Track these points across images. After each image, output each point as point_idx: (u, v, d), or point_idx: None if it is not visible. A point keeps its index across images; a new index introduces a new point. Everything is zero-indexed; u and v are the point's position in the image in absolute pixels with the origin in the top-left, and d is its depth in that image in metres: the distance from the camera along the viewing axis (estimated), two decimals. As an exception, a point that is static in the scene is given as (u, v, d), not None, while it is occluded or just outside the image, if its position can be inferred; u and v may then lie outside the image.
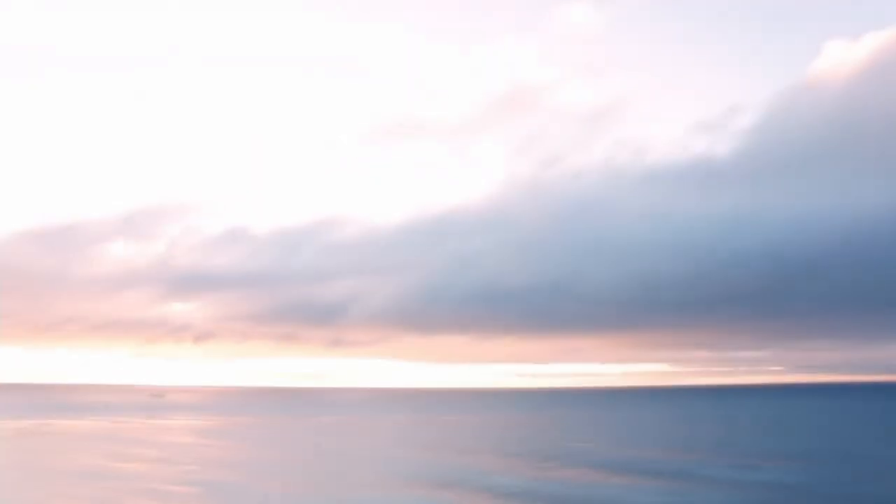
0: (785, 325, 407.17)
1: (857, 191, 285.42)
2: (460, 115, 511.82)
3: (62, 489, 41.21)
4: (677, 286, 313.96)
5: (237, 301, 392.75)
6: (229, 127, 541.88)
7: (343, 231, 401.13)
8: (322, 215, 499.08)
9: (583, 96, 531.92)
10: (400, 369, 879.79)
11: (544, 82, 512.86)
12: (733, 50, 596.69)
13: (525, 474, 47.79)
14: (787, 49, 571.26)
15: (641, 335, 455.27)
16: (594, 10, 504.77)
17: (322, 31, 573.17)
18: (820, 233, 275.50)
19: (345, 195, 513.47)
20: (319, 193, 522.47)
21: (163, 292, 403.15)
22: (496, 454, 61.50)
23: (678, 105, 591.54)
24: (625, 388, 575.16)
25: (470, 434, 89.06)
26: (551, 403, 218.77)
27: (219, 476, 47.23)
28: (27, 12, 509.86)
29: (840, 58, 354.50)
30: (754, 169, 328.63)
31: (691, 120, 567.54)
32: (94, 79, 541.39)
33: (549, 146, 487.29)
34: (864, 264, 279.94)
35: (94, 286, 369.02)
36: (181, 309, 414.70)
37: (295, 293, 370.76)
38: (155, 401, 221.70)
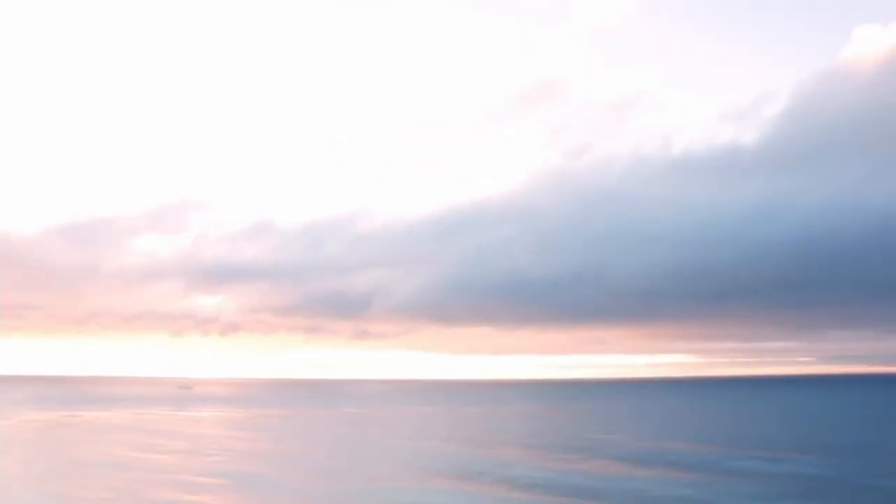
0: (814, 316, 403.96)
1: (888, 179, 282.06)
2: (487, 106, 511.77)
3: (91, 480, 41.72)
4: (704, 276, 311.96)
5: (263, 294, 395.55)
6: (255, 121, 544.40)
7: (368, 223, 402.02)
8: (347, 208, 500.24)
9: (609, 85, 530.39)
10: (424, 361, 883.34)
11: (571, 72, 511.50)
12: (761, 36, 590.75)
13: (548, 466, 47.81)
14: (817, 35, 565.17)
15: (667, 326, 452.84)
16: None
17: (349, 23, 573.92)
18: (850, 221, 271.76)
19: (370, 187, 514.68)
20: (345, 186, 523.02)
21: (190, 285, 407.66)
22: (519, 446, 61.53)
23: (705, 93, 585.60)
24: (650, 379, 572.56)
25: (493, 425, 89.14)
26: (575, 394, 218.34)
27: (245, 467, 47.69)
28: (60, 8, 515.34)
29: (871, 43, 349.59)
30: (783, 157, 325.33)
31: (719, 108, 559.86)
32: (122, 76, 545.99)
33: (576, 136, 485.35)
34: (894, 253, 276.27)
35: (122, 280, 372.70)
36: (208, 302, 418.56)
37: (320, 286, 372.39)
38: (183, 393, 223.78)
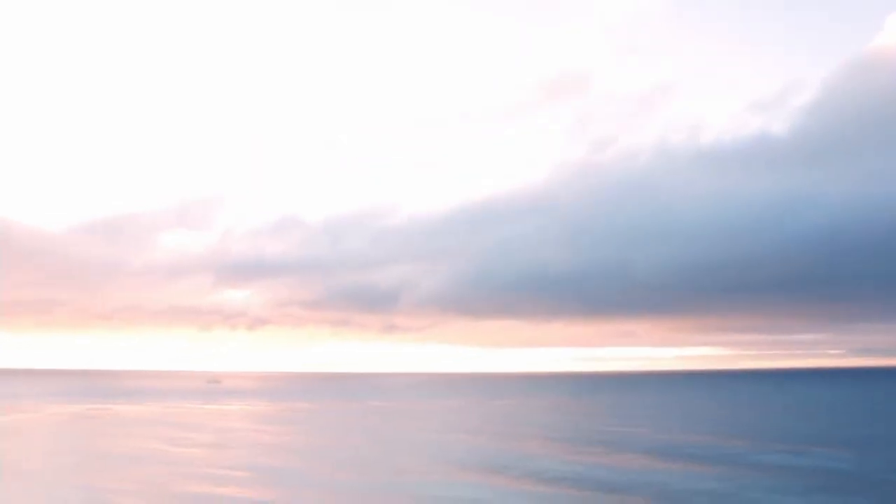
0: (844, 308, 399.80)
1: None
2: (512, 99, 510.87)
3: (118, 472, 42.34)
4: (732, 268, 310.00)
5: (290, 288, 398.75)
6: (281, 117, 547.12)
7: (395, 217, 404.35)
8: (373, 202, 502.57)
9: (635, 77, 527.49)
10: (452, 354, 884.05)
11: (596, 64, 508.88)
12: (790, 25, 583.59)
13: (574, 459, 47.87)
14: (847, 23, 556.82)
15: (696, 318, 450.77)
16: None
17: (375, 19, 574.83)
18: (879, 213, 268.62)
19: (396, 181, 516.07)
20: (370, 180, 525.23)
21: (218, 280, 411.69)
22: (546, 439, 61.65)
23: (733, 83, 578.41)
24: (679, 371, 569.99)
25: (520, 418, 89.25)
26: (604, 387, 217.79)
27: (273, 461, 48.16)
28: (94, 11, 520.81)
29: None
30: (812, 148, 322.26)
31: (747, 98, 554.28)
32: (148, 76, 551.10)
33: (602, 128, 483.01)
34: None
35: (150, 275, 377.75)
36: (235, 296, 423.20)
37: (348, 280, 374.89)
38: (211, 386, 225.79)
